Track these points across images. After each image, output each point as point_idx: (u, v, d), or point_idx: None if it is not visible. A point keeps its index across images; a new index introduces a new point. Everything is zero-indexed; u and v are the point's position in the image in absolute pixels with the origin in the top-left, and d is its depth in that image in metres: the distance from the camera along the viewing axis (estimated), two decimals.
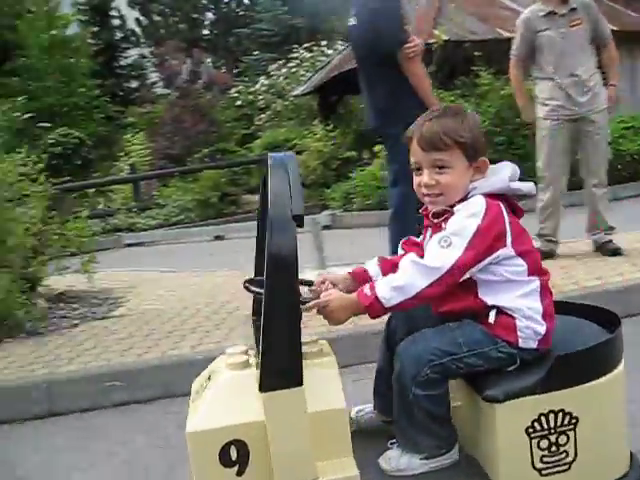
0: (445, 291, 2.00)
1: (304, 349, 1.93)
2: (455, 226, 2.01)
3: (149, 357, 4.25)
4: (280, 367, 1.85)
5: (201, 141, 16.64)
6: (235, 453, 1.91)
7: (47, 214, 6.35)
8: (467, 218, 2.00)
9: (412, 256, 2.04)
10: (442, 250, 1.98)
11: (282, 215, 1.80)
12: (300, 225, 1.81)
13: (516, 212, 2.13)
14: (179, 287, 6.41)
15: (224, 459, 1.91)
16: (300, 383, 1.85)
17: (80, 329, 5.18)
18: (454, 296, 2.07)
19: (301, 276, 1.94)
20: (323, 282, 2.17)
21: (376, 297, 1.97)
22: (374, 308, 1.99)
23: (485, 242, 1.99)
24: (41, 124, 16.39)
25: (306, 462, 1.89)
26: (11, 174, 6.37)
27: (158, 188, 15.18)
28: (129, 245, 12.42)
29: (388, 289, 1.97)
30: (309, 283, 2.16)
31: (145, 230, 13.22)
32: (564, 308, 2.35)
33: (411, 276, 1.97)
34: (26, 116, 15.54)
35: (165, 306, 5.59)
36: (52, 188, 6.55)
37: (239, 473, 1.92)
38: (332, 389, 1.98)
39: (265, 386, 1.85)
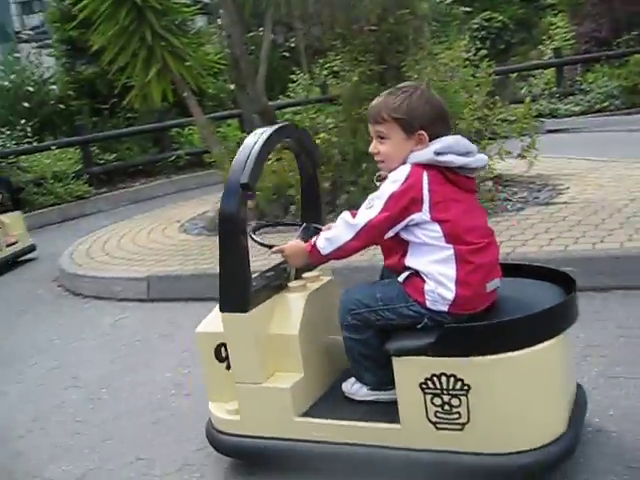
0: (366, 245, 2.40)
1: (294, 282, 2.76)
2: (379, 190, 2.33)
3: (604, 247, 4.20)
4: (229, 296, 2.53)
5: (632, 23, 15.41)
6: (225, 353, 2.67)
7: (489, 99, 6.50)
8: (389, 184, 2.31)
9: (344, 214, 2.40)
10: (365, 210, 2.33)
11: (233, 182, 2.45)
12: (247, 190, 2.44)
13: (457, 183, 2.32)
14: (620, 178, 6.16)
15: (218, 356, 2.71)
16: (244, 310, 2.50)
17: (527, 213, 5.30)
18: (390, 253, 2.45)
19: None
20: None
21: (314, 246, 2.45)
22: (313, 255, 2.48)
23: (398, 205, 2.26)
24: (462, 8, 16.58)
25: (253, 369, 2.57)
26: (457, 60, 6.61)
27: (582, 73, 14.53)
28: (550, 131, 12.21)
29: (323, 240, 2.42)
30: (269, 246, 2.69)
31: (568, 116, 12.85)
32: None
33: (339, 231, 2.38)
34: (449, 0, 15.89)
35: (612, 196, 5.42)
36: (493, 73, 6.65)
37: (227, 368, 2.68)
38: (293, 317, 2.60)
39: (221, 309, 2.57)
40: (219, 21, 16.39)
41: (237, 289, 2.51)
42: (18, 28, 25.51)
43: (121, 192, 12.01)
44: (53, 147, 11.93)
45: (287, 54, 16.24)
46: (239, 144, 8.29)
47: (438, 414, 2.29)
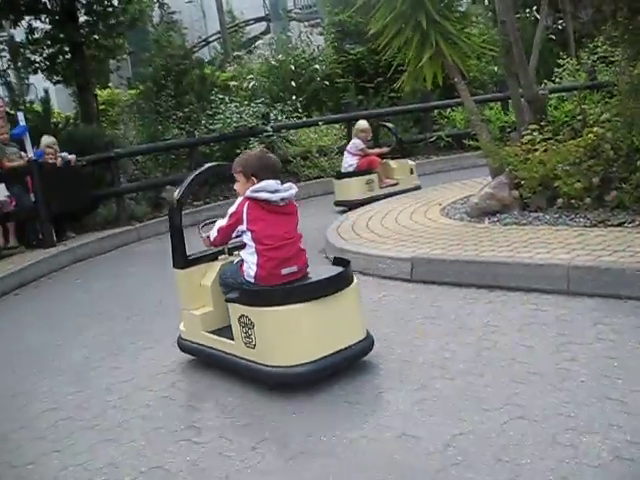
0: (225, 240, 4.24)
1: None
2: (229, 210, 4.08)
3: None
4: (175, 259, 4.42)
5: None
6: None
7: None
8: (232, 207, 4.07)
9: (218, 221, 4.21)
10: (221, 220, 4.14)
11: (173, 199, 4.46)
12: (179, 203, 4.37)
13: (267, 208, 3.98)
14: None
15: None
16: (182, 268, 4.41)
17: None
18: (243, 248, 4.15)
19: None
20: None
21: (208, 237, 4.27)
22: (206, 242, 4.31)
23: (233, 219, 4.04)
24: None
25: (187, 302, 4.45)
26: None
27: None
28: None
29: (210, 235, 4.24)
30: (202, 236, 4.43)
31: None
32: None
33: (214, 231, 4.19)
34: None
35: None
36: None
37: None
38: (211, 275, 4.38)
39: (173, 266, 4.45)
40: (486, 1, 16.23)
41: (178, 255, 4.41)
42: (290, 7, 26.83)
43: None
44: (320, 123, 12.58)
45: (553, 37, 15.66)
46: (501, 129, 8.32)
47: (244, 337, 3.99)
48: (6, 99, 12.48)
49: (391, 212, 7.89)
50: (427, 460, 2.99)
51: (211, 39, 24.50)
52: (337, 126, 13.05)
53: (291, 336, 3.82)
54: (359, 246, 6.38)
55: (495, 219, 6.56)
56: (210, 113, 12.29)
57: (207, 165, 4.63)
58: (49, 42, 13.11)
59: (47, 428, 3.92)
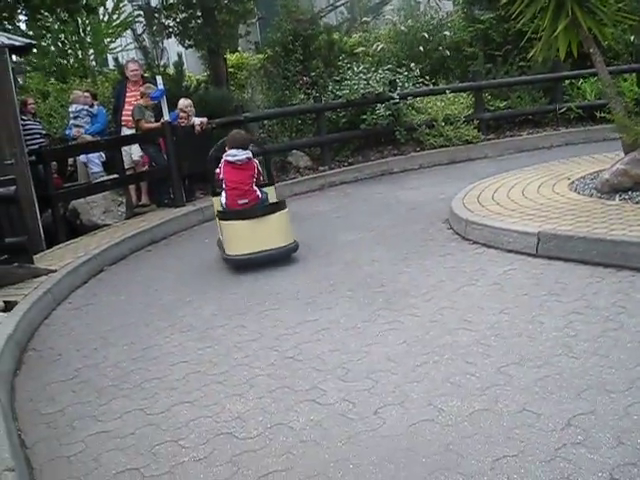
0: (218, 184, 6.96)
1: None
2: None
3: None
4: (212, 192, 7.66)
5: None
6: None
7: None
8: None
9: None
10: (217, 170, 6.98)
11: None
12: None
13: (232, 166, 6.61)
14: None
15: None
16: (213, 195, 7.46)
17: None
18: None
19: None
20: None
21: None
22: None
23: (218, 171, 6.78)
24: None
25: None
26: None
27: None
28: None
29: None
30: None
31: None
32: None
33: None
34: None
35: None
36: None
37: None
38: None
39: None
40: None
41: (214, 190, 7.33)
42: None
43: (508, 140, 12.16)
44: (448, 91, 12.42)
45: None
46: (636, 102, 7.98)
47: (221, 238, 6.95)
48: (142, 63, 12.92)
49: (518, 184, 7.76)
50: (547, 437, 3.00)
51: (338, 3, 24.46)
52: (464, 94, 12.84)
53: (237, 238, 6.53)
54: (484, 218, 6.33)
55: (627, 197, 6.34)
56: (337, 79, 12.33)
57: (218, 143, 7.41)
58: (182, 7, 13.47)
59: (178, 380, 4.16)
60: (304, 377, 3.97)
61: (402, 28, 14.64)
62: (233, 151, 6.61)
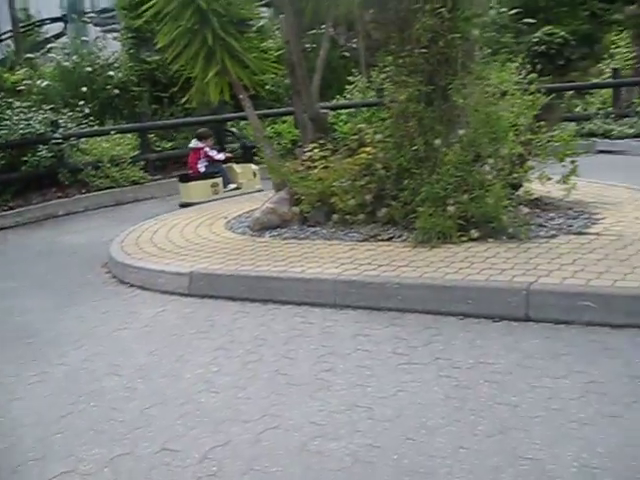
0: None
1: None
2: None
3: (625, 284, 4.35)
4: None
5: None
6: None
7: (535, 123, 6.64)
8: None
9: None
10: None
11: None
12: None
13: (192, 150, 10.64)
14: None
15: None
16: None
17: (558, 241, 5.45)
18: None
19: None
20: None
21: None
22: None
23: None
24: (526, 20, 16.50)
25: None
26: (507, 84, 6.75)
27: (639, 95, 14.39)
28: (601, 152, 12.20)
29: None
30: None
31: (621, 138, 12.80)
32: None
33: None
34: (513, 12, 15.89)
35: None
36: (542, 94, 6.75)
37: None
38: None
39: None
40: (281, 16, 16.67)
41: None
42: (88, 8, 26.06)
43: (174, 180, 12.33)
44: (113, 132, 12.35)
45: (347, 54, 16.38)
46: (293, 142, 8.62)
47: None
48: None
49: (178, 225, 7.93)
50: (183, 473, 3.09)
51: (4, 37, 23.19)
52: (130, 135, 12.86)
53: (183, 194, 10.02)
54: (140, 261, 6.36)
55: (275, 233, 6.80)
56: None
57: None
58: None
59: None
60: None
61: (66, 64, 14.32)
62: (193, 141, 10.62)
